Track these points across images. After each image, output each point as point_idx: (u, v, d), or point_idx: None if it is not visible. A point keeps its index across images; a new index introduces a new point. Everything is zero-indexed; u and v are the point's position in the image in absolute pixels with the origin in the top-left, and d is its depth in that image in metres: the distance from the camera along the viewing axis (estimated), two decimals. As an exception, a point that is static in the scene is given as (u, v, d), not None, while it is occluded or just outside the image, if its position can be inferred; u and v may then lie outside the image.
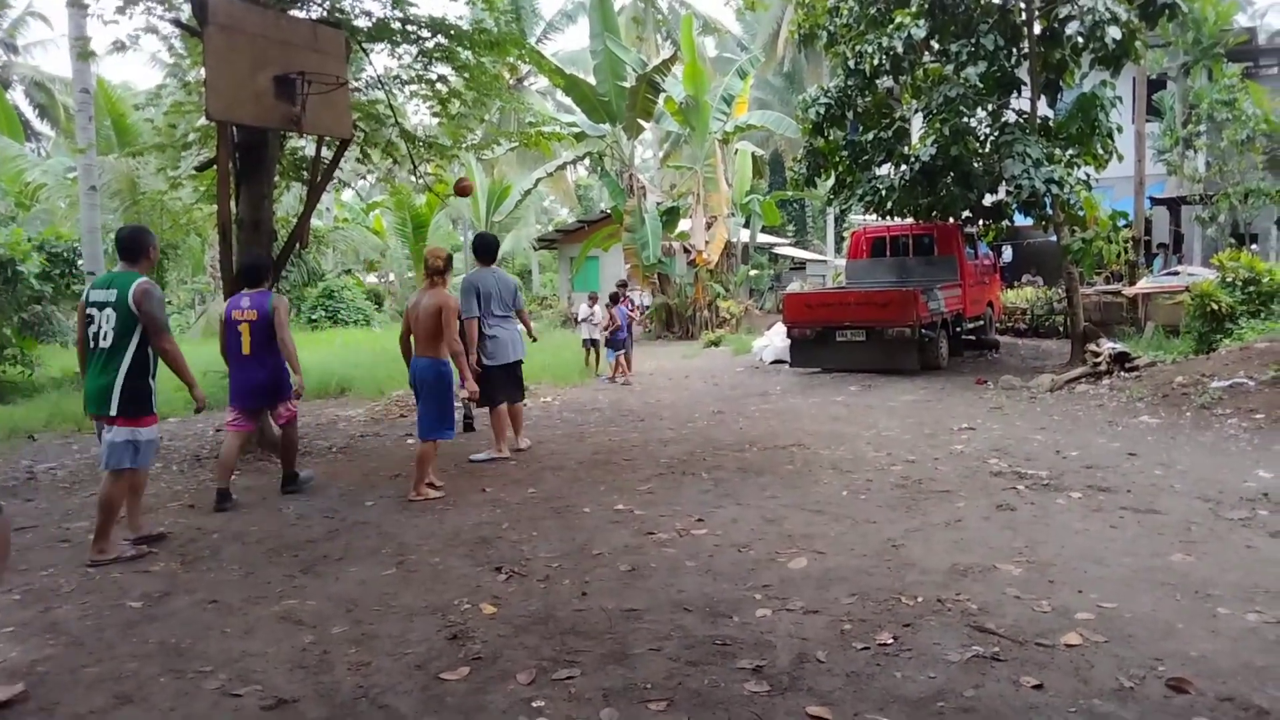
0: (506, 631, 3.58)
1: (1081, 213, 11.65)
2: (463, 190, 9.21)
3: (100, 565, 4.60)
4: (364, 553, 4.75)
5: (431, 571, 4.39)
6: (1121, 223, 11.84)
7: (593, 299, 14.25)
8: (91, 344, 4.74)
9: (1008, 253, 21.19)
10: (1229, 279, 10.81)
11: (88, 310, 4.77)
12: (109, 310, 4.69)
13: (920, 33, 11.48)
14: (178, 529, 5.33)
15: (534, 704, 2.96)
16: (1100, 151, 12.05)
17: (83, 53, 11.08)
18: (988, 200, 12.82)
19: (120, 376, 4.68)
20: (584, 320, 14.11)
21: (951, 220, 13.40)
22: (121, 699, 3.10)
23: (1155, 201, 19.27)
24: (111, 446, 4.72)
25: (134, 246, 4.87)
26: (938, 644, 3.31)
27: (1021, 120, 11.91)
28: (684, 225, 21.76)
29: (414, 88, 9.21)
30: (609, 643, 3.44)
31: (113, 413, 4.68)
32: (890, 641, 3.34)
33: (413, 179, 10.19)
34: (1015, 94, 12.07)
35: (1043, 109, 12.19)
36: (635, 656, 3.31)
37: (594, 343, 14.02)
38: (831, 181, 14.05)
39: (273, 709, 2.99)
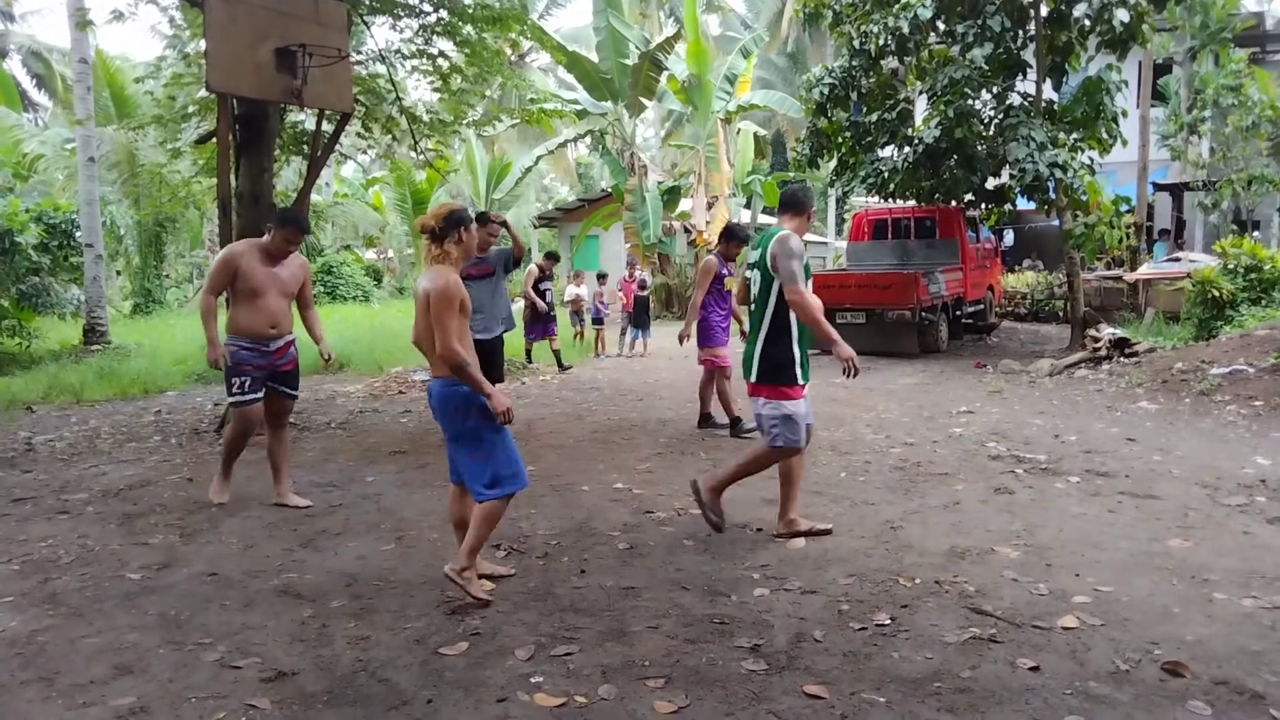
0: (505, 608, 3.59)
1: (1084, 197, 11.61)
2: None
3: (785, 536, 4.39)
4: (363, 528, 4.76)
5: (430, 547, 4.40)
6: (1124, 208, 11.81)
7: (576, 277, 14.46)
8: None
9: (1009, 237, 21.14)
10: (1230, 266, 10.78)
11: (746, 272, 4.52)
12: (755, 271, 4.40)
13: (926, 13, 11.39)
14: (176, 502, 5.34)
15: (532, 679, 2.97)
16: (1104, 136, 12.00)
17: (81, 22, 11.00)
18: (991, 183, 12.77)
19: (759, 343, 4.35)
20: (571, 299, 14.15)
21: (954, 203, 13.35)
22: (121, 670, 3.11)
23: (1158, 187, 19.19)
24: (758, 418, 4.42)
25: (791, 201, 4.52)
26: (935, 625, 3.33)
27: (1026, 103, 11.85)
28: (685, 205, 21.65)
29: (415, 62, 9.13)
30: (607, 620, 3.46)
31: (753, 379, 4.37)
32: (888, 622, 3.36)
33: (413, 155, 10.13)
34: (1020, 76, 12.00)
35: (1048, 92, 12.12)
36: (633, 634, 3.32)
37: (591, 321, 14.06)
38: (834, 163, 13.98)
39: (272, 681, 3.00)
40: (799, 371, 4.29)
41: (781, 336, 4.27)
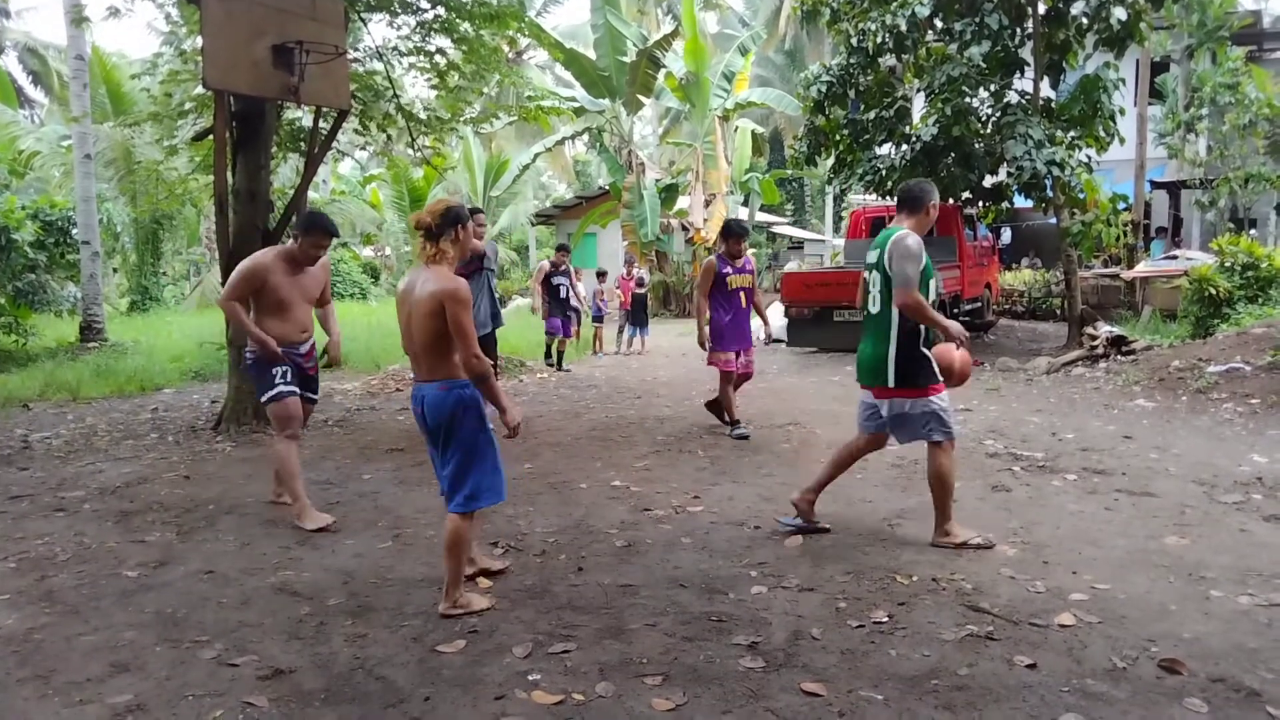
0: (503, 605, 3.59)
1: (1082, 195, 11.62)
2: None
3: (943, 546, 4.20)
4: (360, 525, 4.76)
5: (428, 545, 4.39)
6: (1121, 206, 11.82)
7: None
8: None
9: (1007, 235, 21.14)
10: (1227, 264, 10.79)
11: (865, 274, 4.39)
12: (874, 273, 4.27)
13: (924, 11, 11.38)
14: (173, 500, 5.33)
15: (530, 677, 2.97)
16: (1102, 134, 11.98)
17: (77, 19, 10.93)
18: (988, 181, 12.76)
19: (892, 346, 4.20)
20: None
21: (951, 201, 13.35)
22: (118, 667, 3.10)
23: (1155, 185, 19.21)
24: (894, 421, 4.26)
25: (908, 198, 4.35)
26: (932, 623, 3.33)
27: (1024, 101, 11.84)
28: (682, 203, 21.66)
29: (412, 59, 9.12)
30: (605, 618, 3.46)
31: (890, 384, 4.20)
32: (885, 620, 3.36)
33: (410, 152, 10.12)
34: (1018, 74, 11.99)
35: (1045, 90, 12.12)
36: (631, 631, 3.32)
37: (591, 318, 14.07)
38: (831, 160, 13.97)
39: (269, 679, 3.00)
40: (935, 368, 4.20)
41: (914, 338, 4.18)
